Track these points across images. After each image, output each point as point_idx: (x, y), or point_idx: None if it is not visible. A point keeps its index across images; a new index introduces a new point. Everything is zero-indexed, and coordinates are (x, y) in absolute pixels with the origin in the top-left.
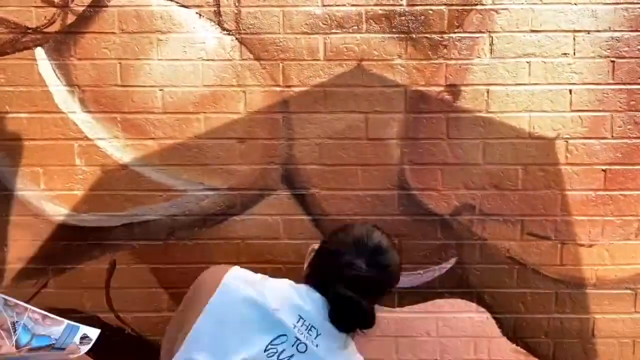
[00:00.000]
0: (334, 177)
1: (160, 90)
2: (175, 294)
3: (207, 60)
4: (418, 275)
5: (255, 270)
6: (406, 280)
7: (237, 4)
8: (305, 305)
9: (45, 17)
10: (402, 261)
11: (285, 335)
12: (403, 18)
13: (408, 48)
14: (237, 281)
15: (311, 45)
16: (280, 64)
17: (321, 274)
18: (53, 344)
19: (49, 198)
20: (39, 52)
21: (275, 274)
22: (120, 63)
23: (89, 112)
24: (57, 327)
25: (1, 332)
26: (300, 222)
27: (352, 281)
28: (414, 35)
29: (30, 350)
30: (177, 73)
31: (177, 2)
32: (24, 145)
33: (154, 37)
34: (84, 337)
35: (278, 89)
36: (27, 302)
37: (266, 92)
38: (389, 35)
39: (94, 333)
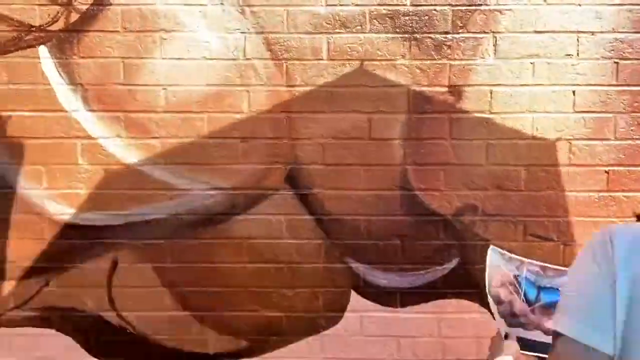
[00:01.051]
0: (337, 177)
1: (164, 89)
2: (178, 293)
3: (211, 59)
4: (420, 276)
5: (259, 271)
6: (408, 280)
7: (241, 3)
8: None
9: (49, 15)
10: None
11: None
12: (407, 18)
13: (412, 48)
14: None
15: (315, 45)
16: (284, 64)
17: None
18: None
19: (52, 197)
20: (42, 50)
21: (277, 273)
22: (123, 62)
23: (92, 110)
24: (561, 278)
25: (508, 287)
26: (303, 222)
27: None
28: (417, 36)
29: (542, 308)
30: (180, 72)
31: (181, 1)
32: (26, 144)
33: (157, 36)
34: None
35: (282, 88)
36: (29, 300)
37: (270, 91)
38: (393, 35)
39: None
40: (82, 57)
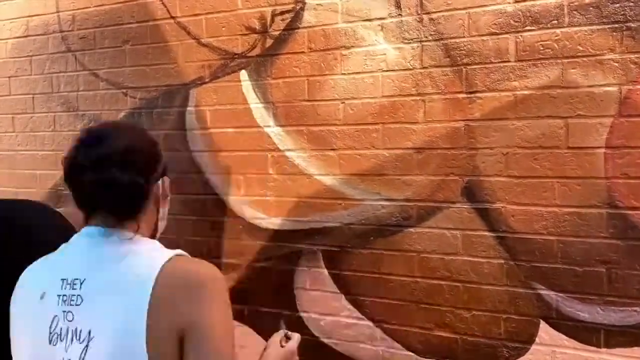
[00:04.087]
0: (524, 190)
1: (342, 103)
2: (351, 300)
3: (387, 71)
4: (632, 313)
5: (432, 287)
6: (617, 316)
7: (419, 12)
8: (65, 261)
9: (249, 43)
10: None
11: (56, 316)
12: (617, 5)
13: (624, 40)
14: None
15: (500, 46)
16: (464, 69)
17: (75, 200)
18: None
19: (247, 202)
20: (243, 74)
21: (452, 292)
22: (308, 79)
23: (281, 125)
24: None
25: None
26: (481, 239)
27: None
28: (632, 25)
29: None
30: (358, 86)
31: (361, 17)
32: (229, 156)
33: (338, 53)
34: None
35: (460, 95)
36: None
37: (447, 99)
38: (598, 27)
39: None
40: (274, 78)
